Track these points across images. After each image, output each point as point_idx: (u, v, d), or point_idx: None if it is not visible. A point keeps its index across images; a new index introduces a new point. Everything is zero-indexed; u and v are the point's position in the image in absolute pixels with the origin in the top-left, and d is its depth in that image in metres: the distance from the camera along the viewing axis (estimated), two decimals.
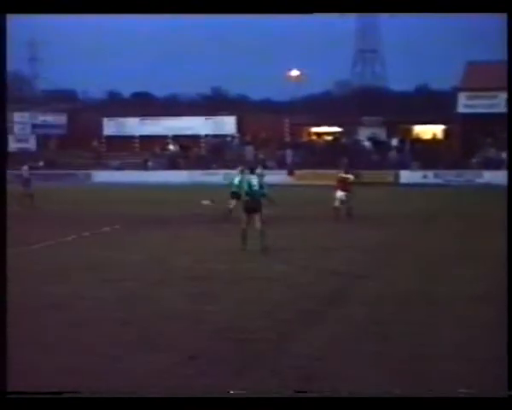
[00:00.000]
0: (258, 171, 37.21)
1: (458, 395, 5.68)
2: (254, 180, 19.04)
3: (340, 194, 26.79)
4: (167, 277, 15.01)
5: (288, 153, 60.67)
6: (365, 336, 10.13)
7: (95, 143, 65.21)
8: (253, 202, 18.71)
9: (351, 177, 27.60)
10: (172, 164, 61.45)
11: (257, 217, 18.60)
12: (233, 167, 34.59)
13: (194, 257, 17.69)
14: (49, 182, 54.28)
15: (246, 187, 19.03)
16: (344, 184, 26.96)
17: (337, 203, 26.63)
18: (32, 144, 66.74)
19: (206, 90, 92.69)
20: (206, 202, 33.53)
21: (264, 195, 19.14)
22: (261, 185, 19.05)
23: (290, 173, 56.89)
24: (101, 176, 58.46)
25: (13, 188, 30.90)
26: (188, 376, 8.38)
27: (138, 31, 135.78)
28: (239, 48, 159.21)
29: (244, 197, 19.08)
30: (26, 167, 36.48)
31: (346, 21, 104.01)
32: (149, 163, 61.93)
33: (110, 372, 8.58)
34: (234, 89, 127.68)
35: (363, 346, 9.65)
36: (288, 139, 63.63)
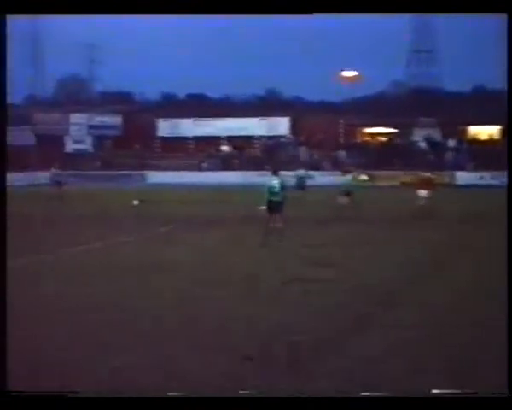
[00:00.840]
0: (302, 172, 37.89)
1: (458, 395, 5.64)
2: (275, 182, 20.29)
3: (422, 193, 28.22)
4: (223, 277, 15.05)
5: (342, 154, 60.42)
6: (419, 339, 10.05)
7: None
8: (274, 202, 20.05)
9: (432, 177, 29.86)
10: (226, 165, 61.64)
11: (277, 216, 20.04)
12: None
13: (248, 258, 17.74)
14: (105, 182, 54.99)
15: (267, 189, 20.34)
16: (425, 184, 28.55)
17: (421, 202, 28.04)
18: (88, 145, 67.57)
19: (261, 91, 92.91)
20: (136, 202, 35.25)
21: (279, 200, 20.17)
22: (282, 188, 20.27)
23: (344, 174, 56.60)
24: (156, 177, 58.91)
25: (44, 189, 31.91)
26: (243, 377, 8.40)
27: (193, 31, 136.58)
28: (294, 49, 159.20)
29: (268, 198, 20.29)
30: (54, 169, 36.12)
31: (401, 21, 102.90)
32: (203, 164, 62.21)
33: (166, 373, 8.61)
34: (288, 90, 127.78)
35: (417, 349, 9.58)
36: (342, 140, 63.37)
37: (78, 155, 65.26)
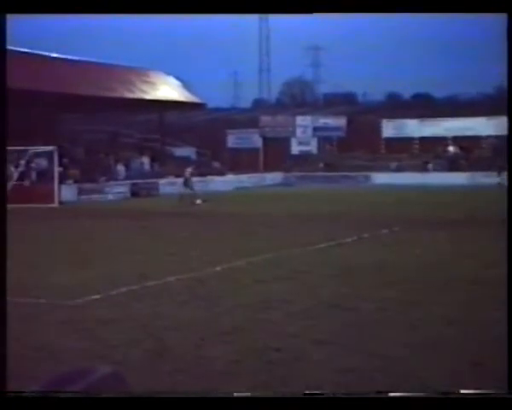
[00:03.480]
0: None
1: (458, 396, 5.18)
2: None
3: None
4: (449, 281, 14.58)
5: None
6: None
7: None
8: None
9: None
10: (453, 166, 60.12)
11: None
12: None
13: (477, 262, 17.12)
14: (328, 184, 55.62)
15: None
16: None
17: None
18: (313, 147, 68.51)
19: (488, 89, 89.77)
20: (198, 202, 35.90)
21: None
22: None
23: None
24: (381, 178, 58.59)
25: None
26: (465, 381, 8.15)
27: (415, 30, 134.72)
28: None
29: None
30: (190, 169, 38.36)
31: None
32: (429, 165, 61.05)
33: (390, 373, 8.53)
34: None
35: None
36: None
37: (303, 157, 66.41)
